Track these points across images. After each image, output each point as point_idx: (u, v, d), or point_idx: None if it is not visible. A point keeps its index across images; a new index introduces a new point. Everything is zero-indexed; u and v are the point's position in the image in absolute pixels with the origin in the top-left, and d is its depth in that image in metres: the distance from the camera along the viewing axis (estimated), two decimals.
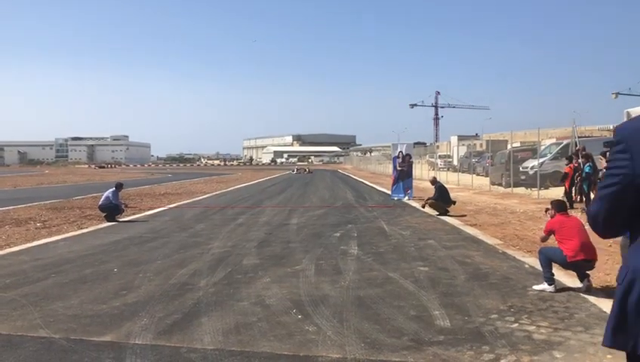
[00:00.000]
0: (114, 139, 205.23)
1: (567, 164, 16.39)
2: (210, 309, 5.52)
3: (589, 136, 26.40)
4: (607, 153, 3.81)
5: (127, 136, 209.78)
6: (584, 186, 15.07)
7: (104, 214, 14.04)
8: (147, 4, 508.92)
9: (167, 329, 4.89)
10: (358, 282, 6.64)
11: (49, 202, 19.98)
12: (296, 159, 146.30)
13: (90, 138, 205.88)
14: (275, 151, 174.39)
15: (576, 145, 17.46)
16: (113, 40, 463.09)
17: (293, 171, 62.47)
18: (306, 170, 62.01)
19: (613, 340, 1.68)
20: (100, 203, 14.44)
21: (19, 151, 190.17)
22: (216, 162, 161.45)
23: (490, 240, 9.76)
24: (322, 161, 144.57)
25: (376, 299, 5.80)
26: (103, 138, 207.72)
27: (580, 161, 15.61)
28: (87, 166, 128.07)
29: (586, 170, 14.98)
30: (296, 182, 36.21)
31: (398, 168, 20.99)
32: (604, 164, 3.64)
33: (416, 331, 4.68)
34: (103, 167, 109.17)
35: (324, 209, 16.87)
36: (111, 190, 14.31)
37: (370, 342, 4.41)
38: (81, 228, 12.66)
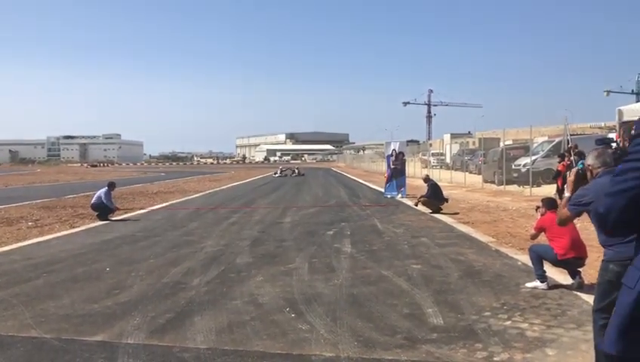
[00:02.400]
0: (106, 138, 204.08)
1: (559, 162, 16.47)
2: (203, 308, 5.50)
3: (581, 134, 26.51)
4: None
5: (119, 135, 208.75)
6: None
7: (96, 213, 13.97)
8: (139, 3, 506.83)
9: (160, 328, 4.87)
10: (352, 280, 6.64)
11: (41, 201, 19.86)
12: (289, 157, 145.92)
13: (83, 136, 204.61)
14: (268, 150, 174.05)
15: (568, 143, 17.54)
16: (105, 38, 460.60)
17: (276, 173, 44.95)
18: (294, 172, 45.86)
19: (618, 346, 1.58)
20: (92, 202, 14.36)
21: (10, 150, 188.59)
22: (210, 160, 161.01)
23: (483, 238, 9.79)
24: (315, 159, 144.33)
25: (370, 297, 5.80)
26: (95, 136, 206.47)
27: (572, 158, 15.68)
28: (79, 165, 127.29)
29: (579, 166, 15.03)
30: (288, 181, 36.12)
31: (392, 166, 21.00)
32: (589, 162, 3.64)
33: (410, 329, 4.69)
34: (96, 166, 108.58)
35: (318, 207, 16.87)
36: (103, 189, 14.22)
37: (364, 341, 4.41)
38: (73, 227, 12.59)
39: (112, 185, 14.63)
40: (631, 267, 1.63)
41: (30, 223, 13.27)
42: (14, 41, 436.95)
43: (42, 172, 70.06)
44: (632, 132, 1.61)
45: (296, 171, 46.11)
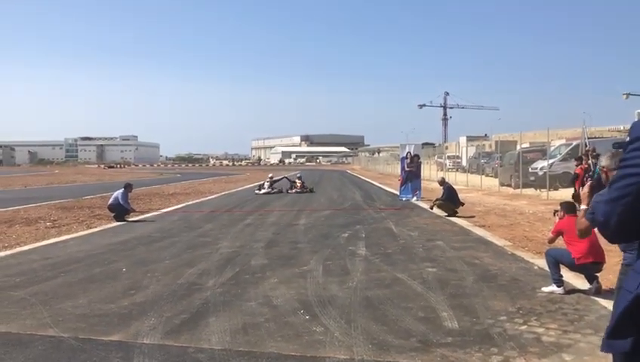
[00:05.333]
0: (123, 139, 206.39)
1: (577, 165, 16.28)
2: (218, 309, 5.52)
3: (599, 137, 26.19)
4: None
5: (136, 137, 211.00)
6: None
7: (113, 214, 14.11)
8: (156, 5, 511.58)
9: (175, 329, 4.91)
10: (366, 283, 6.62)
11: (59, 202, 20.13)
12: (304, 159, 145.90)
13: (100, 138, 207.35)
14: (283, 152, 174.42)
15: (586, 146, 17.34)
16: (122, 40, 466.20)
17: (260, 190, 24.64)
18: (294, 183, 25.53)
19: (611, 344, 1.59)
20: (110, 202, 14.52)
21: (29, 151, 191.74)
22: (225, 162, 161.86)
23: (499, 242, 9.71)
24: (330, 161, 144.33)
25: (384, 299, 5.78)
26: (112, 138, 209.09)
27: (590, 162, 15.50)
28: (96, 166, 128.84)
29: (597, 171, 14.86)
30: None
31: (407, 169, 20.89)
32: (603, 163, 3.54)
33: (424, 332, 4.66)
34: (112, 167, 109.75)
35: (332, 210, 16.85)
36: (120, 190, 14.38)
37: (378, 343, 4.40)
38: (91, 228, 12.73)
39: (129, 187, 14.78)
40: (631, 271, 1.62)
41: (48, 223, 13.45)
42: (34, 43, 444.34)
43: (60, 173, 70.96)
44: (627, 138, 1.58)
45: (298, 183, 25.66)
